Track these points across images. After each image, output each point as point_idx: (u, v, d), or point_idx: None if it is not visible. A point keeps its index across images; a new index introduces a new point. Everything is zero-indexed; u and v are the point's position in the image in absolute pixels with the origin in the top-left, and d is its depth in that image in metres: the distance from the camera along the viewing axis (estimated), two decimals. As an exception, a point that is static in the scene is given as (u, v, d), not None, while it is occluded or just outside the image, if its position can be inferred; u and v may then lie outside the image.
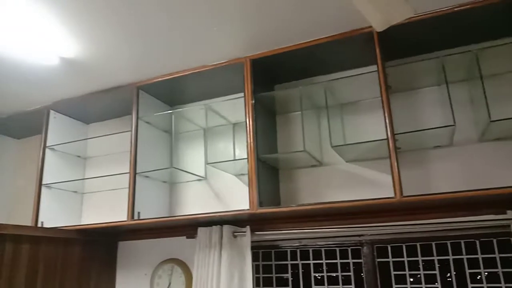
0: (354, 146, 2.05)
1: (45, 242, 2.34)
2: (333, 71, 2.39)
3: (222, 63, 2.33)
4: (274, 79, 2.51)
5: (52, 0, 1.77)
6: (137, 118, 2.49)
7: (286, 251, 2.45)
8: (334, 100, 2.30)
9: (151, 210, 2.47)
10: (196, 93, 2.68)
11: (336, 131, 2.26)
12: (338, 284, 2.29)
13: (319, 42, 2.12)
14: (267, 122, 2.41)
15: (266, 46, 2.21)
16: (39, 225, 2.59)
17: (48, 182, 2.70)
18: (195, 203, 2.67)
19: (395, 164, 1.82)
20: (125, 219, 2.34)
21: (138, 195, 2.38)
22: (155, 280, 2.59)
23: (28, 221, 2.73)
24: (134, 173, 2.40)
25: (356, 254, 2.27)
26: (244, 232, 2.31)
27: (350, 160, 2.29)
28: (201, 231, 2.39)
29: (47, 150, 2.75)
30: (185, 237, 2.54)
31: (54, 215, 2.72)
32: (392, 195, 1.82)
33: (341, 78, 2.15)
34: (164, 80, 2.48)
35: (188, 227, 2.48)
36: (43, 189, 2.68)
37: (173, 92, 2.66)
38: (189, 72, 2.40)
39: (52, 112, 2.83)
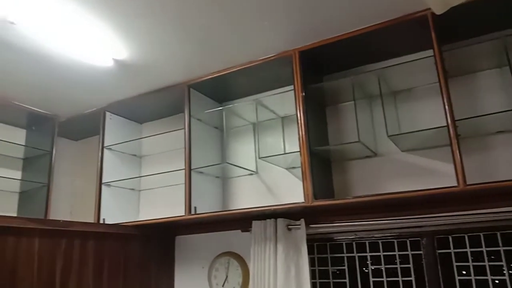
0: (411, 135, 1.99)
1: (108, 238, 2.46)
2: (384, 58, 2.33)
3: (270, 57, 2.33)
4: (322, 70, 2.48)
5: (105, 6, 1.85)
6: (190, 116, 2.56)
7: (342, 243, 2.42)
8: (387, 88, 2.24)
9: (206, 205, 2.53)
10: (245, 88, 2.70)
11: (390, 120, 2.20)
12: (397, 277, 2.24)
13: (369, 30, 2.07)
14: (317, 114, 2.39)
15: (314, 37, 2.18)
16: (101, 222, 2.72)
17: (107, 181, 2.84)
18: (247, 197, 2.70)
19: (457, 152, 1.75)
20: (183, 214, 2.42)
21: (194, 190, 2.45)
22: (212, 273, 2.66)
23: (89, 219, 2.88)
24: (189, 169, 2.47)
25: (415, 245, 2.21)
26: (299, 225, 2.32)
27: (406, 150, 2.23)
28: (255, 224, 2.41)
29: (105, 150, 2.89)
30: (239, 230, 2.58)
31: (114, 212, 2.85)
32: (453, 183, 1.75)
33: (395, 65, 2.09)
34: (214, 77, 2.52)
35: (242, 221, 2.52)
36: (103, 188, 2.82)
37: (222, 89, 2.70)
38: (238, 68, 2.43)
39: (108, 113, 2.96)
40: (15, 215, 3.07)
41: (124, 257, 2.52)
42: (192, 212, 2.40)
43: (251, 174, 2.69)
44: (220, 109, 2.61)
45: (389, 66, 2.10)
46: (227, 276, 2.59)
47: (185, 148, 2.52)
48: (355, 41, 2.15)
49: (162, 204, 2.98)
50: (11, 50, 2.19)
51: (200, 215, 2.41)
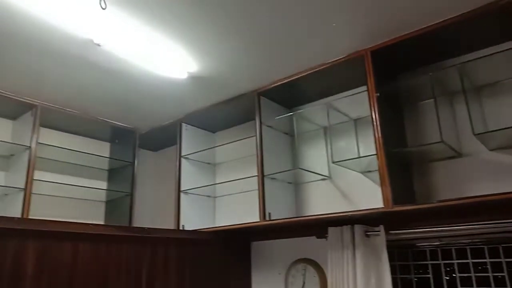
0: (501, 132, 1.82)
1: (188, 244, 2.55)
2: (464, 52, 2.17)
3: (341, 58, 2.29)
4: (396, 68, 2.38)
5: (176, 26, 1.95)
6: (260, 123, 2.59)
7: (425, 250, 2.29)
8: (469, 83, 2.08)
9: (280, 211, 2.53)
10: (315, 92, 2.68)
11: (475, 117, 2.04)
12: (490, 286, 2.06)
13: (447, 23, 1.94)
14: (393, 114, 2.29)
15: (387, 35, 2.10)
16: (181, 228, 2.84)
17: (185, 189, 2.96)
18: (320, 202, 2.66)
19: (559, 148, 1.57)
20: (257, 220, 2.44)
21: (268, 196, 2.46)
22: (289, 279, 2.65)
23: (169, 225, 3.02)
24: (262, 176, 2.49)
25: (510, 252, 2.02)
26: (378, 231, 2.23)
27: (494, 148, 2.05)
28: (331, 231, 2.36)
29: (182, 160, 3.02)
30: (314, 237, 2.55)
31: (192, 218, 2.96)
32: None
33: (477, 58, 1.93)
34: (283, 83, 2.53)
35: (317, 227, 2.48)
36: (182, 195, 2.94)
37: (291, 94, 2.70)
38: (307, 73, 2.42)
39: (183, 124, 3.11)
40: (102, 222, 3.32)
41: (203, 262, 2.60)
42: (267, 218, 2.42)
43: (324, 179, 2.65)
44: (290, 114, 2.61)
45: (471, 60, 1.95)
46: (304, 283, 2.57)
47: (257, 155, 2.55)
48: (431, 36, 2.03)
49: (237, 210, 3.04)
50: (97, 70, 2.38)
51: (274, 221, 2.42)
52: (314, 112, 2.55)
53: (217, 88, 2.67)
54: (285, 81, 2.52)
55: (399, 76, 2.41)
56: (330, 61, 2.32)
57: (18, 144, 2.71)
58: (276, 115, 2.66)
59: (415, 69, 2.34)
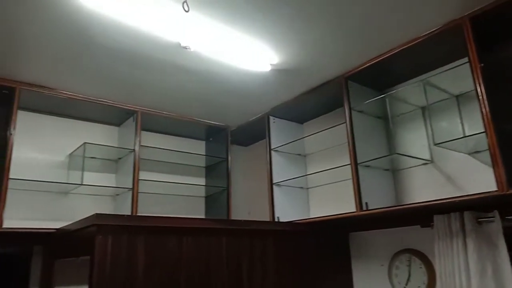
0: None
1: (283, 236, 2.55)
2: None
3: (435, 30, 2.09)
4: (499, 36, 2.09)
5: (260, 17, 1.94)
6: (350, 109, 2.49)
7: (554, 237, 1.99)
8: None
9: (377, 200, 2.40)
10: (408, 70, 2.49)
11: None
12: None
13: None
14: (501, 86, 2.02)
15: (487, -1, 1.86)
16: (276, 220, 2.86)
17: (277, 181, 2.98)
18: (423, 189, 2.47)
19: None
20: (353, 210, 2.35)
21: (363, 185, 2.36)
22: (392, 271, 2.51)
23: (264, 218, 3.07)
24: (355, 164, 2.39)
25: None
26: (492, 217, 2.00)
27: None
28: (437, 219, 2.18)
29: (272, 153, 3.04)
30: (418, 226, 2.38)
31: (286, 210, 2.97)
32: None
33: None
34: (372, 64, 2.40)
35: (420, 215, 2.31)
36: (274, 188, 2.96)
37: (382, 76, 2.54)
38: (398, 50, 2.26)
39: (271, 117, 3.13)
40: (203, 216, 3.49)
41: (301, 253, 2.58)
42: (364, 208, 2.32)
43: (426, 163, 2.45)
44: (382, 96, 2.46)
45: None
46: (409, 275, 2.41)
47: (348, 142, 2.46)
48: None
49: (331, 200, 2.97)
50: (186, 72, 2.50)
51: (372, 211, 2.30)
52: (409, 92, 2.36)
53: (301, 77, 2.62)
54: (374, 61, 2.38)
55: (503, 44, 2.12)
56: (423, 34, 2.13)
57: (124, 148, 2.98)
58: (366, 99, 2.53)
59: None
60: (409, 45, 2.20)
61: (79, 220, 2.01)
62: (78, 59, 2.33)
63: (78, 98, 2.76)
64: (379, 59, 2.35)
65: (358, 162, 2.40)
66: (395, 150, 2.55)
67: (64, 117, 2.99)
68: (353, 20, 2.01)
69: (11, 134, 2.44)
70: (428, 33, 2.11)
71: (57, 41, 2.13)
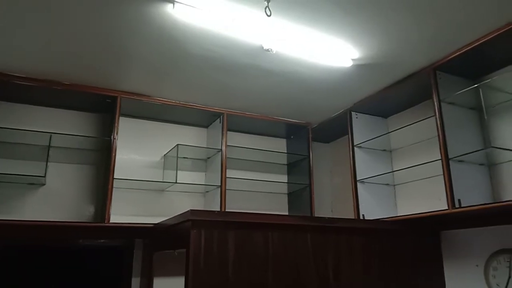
0: None
1: (370, 233, 2.50)
2: None
3: (536, 11, 1.90)
4: None
5: (341, 13, 1.93)
6: (439, 100, 2.36)
7: None
8: None
9: (472, 197, 2.26)
10: (505, 57, 2.29)
11: None
12: None
13: None
14: None
15: None
16: (361, 217, 2.82)
17: (361, 178, 2.93)
18: (524, 185, 2.27)
19: None
20: (445, 207, 2.24)
21: (455, 181, 2.23)
22: (489, 272, 2.34)
23: (348, 215, 3.03)
24: (446, 159, 2.28)
25: None
26: None
27: None
28: (544, 217, 1.99)
29: (355, 149, 3.00)
30: (520, 225, 2.19)
31: (372, 208, 2.91)
32: None
33: None
34: (462, 53, 2.26)
35: (523, 213, 2.13)
36: (358, 185, 2.92)
37: (474, 64, 2.38)
38: (493, 36, 2.09)
39: (353, 113, 3.09)
40: (287, 213, 3.56)
41: (389, 252, 2.51)
42: (456, 205, 2.19)
43: (527, 157, 2.25)
44: (475, 86, 2.29)
45: None
46: (510, 277, 2.23)
47: (438, 136, 2.34)
48: None
49: (421, 197, 2.84)
50: (270, 74, 2.59)
51: (466, 208, 2.17)
52: (506, 80, 2.18)
53: (384, 70, 2.55)
54: (465, 49, 2.24)
55: None
56: (521, 17, 1.96)
57: (212, 148, 3.16)
58: (457, 89, 2.37)
59: None
60: (504, 29, 2.03)
61: (175, 216, 2.18)
62: (171, 68, 2.52)
63: (171, 103, 3.00)
64: (471, 46, 2.20)
65: (450, 157, 2.27)
66: (491, 144, 2.37)
67: (159, 121, 3.26)
68: (440, 6, 1.91)
69: (114, 138, 2.73)
70: (528, 15, 1.94)
71: (154, 53, 2.33)
